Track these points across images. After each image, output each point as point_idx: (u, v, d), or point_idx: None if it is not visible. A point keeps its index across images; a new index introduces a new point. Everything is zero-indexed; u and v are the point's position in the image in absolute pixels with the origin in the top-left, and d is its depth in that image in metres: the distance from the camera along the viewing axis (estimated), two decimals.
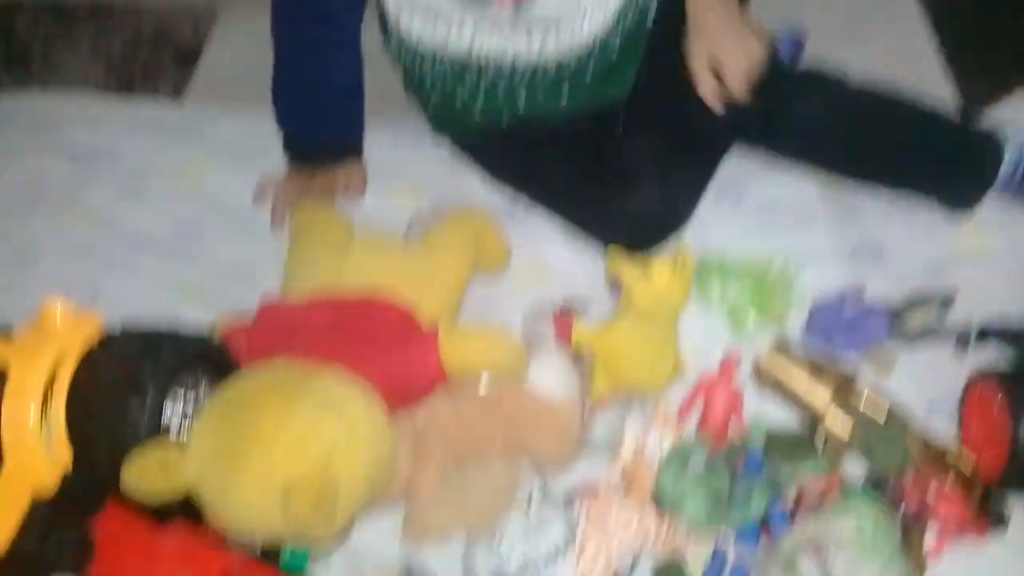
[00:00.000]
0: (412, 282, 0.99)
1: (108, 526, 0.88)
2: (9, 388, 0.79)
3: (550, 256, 1.21)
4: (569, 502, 0.95)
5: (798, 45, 1.44)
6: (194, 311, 1.12)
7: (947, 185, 1.23)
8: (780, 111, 1.19)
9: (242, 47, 1.52)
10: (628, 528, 0.91)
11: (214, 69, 1.49)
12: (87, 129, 1.37)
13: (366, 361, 0.89)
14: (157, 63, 1.50)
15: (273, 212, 1.24)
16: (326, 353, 0.90)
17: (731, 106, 1.16)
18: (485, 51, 1.14)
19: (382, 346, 0.91)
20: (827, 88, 1.22)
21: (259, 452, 0.80)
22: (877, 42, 1.45)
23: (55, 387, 0.81)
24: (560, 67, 1.16)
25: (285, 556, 0.89)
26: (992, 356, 1.03)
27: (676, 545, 0.92)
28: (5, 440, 0.79)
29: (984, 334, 1.02)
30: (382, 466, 0.86)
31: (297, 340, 0.93)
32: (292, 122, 1.20)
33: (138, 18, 1.56)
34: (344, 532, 0.88)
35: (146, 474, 0.79)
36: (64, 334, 0.84)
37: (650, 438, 0.98)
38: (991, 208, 1.22)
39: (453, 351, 0.91)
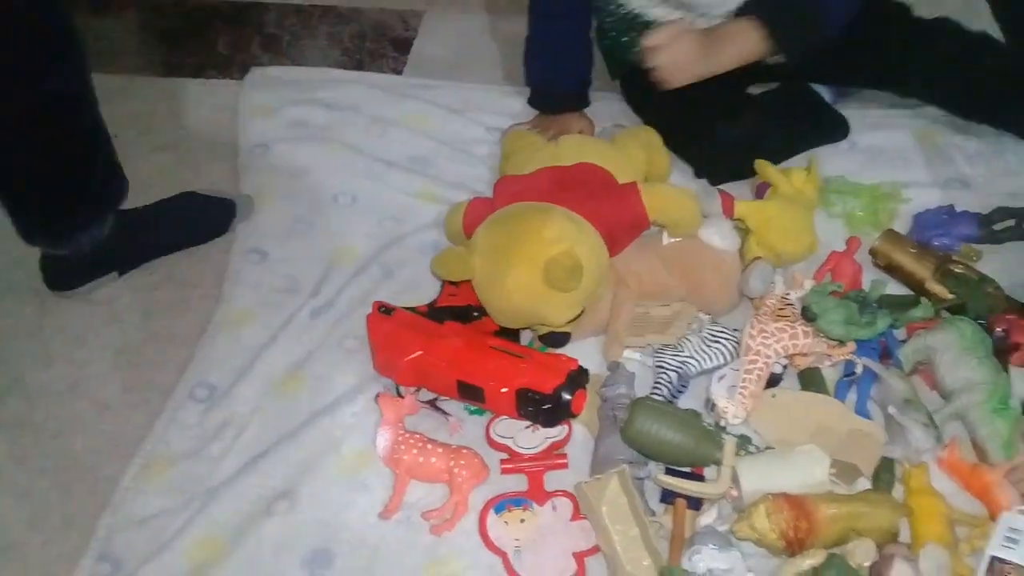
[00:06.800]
0: (608, 162, 1.33)
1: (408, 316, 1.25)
2: None
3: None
4: (736, 329, 1.27)
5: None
6: (428, 209, 1.51)
7: None
8: (913, 57, 1.50)
9: (444, 37, 1.95)
10: (782, 337, 1.21)
11: (423, 54, 1.90)
12: (333, 89, 1.78)
13: (585, 205, 1.24)
14: (379, 50, 1.92)
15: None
16: (553, 202, 1.24)
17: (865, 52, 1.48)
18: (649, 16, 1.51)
19: (596, 194, 1.25)
20: (946, 35, 1.51)
21: (527, 241, 1.15)
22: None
23: None
24: None
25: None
26: None
27: (819, 352, 1.22)
28: None
29: None
30: (603, 267, 1.21)
31: (529, 196, 1.27)
32: (539, 77, 1.58)
33: (360, 15, 2.00)
34: (580, 314, 1.21)
35: (448, 262, 1.16)
36: None
37: (792, 290, 1.30)
38: None
39: (650, 198, 1.26)
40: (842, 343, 1.23)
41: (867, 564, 1.02)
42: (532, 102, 1.62)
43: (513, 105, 1.69)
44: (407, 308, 1.28)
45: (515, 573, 1.06)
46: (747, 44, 1.37)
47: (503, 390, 1.14)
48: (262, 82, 1.81)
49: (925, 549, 0.99)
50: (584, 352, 1.29)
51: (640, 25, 1.53)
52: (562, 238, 1.15)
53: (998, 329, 1.22)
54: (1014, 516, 1.02)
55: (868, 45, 1.50)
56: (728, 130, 1.48)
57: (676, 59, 1.33)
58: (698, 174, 1.52)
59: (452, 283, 1.33)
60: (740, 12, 1.40)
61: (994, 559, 0.98)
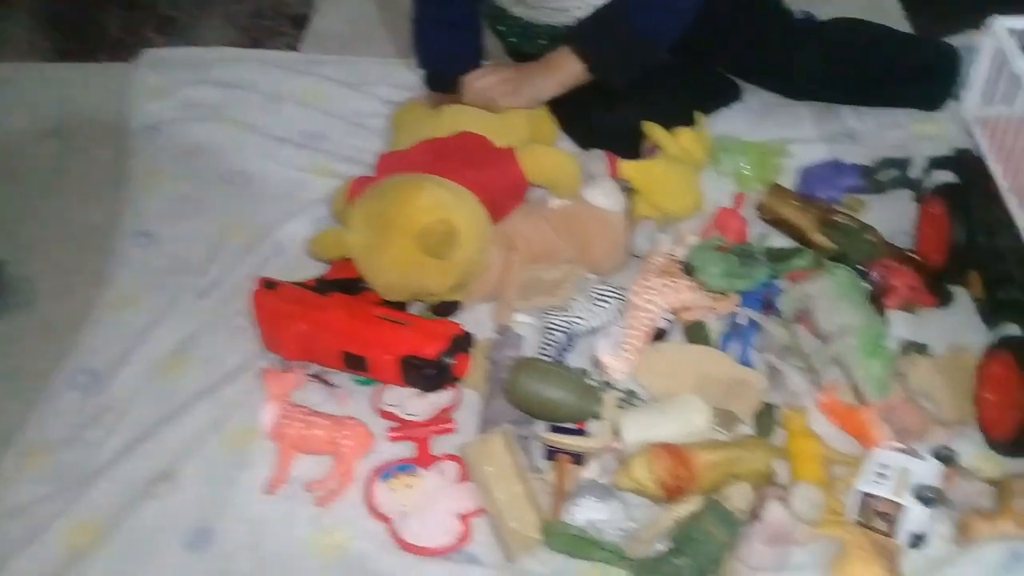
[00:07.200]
0: (486, 130, 1.33)
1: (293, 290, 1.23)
2: None
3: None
4: (622, 288, 1.27)
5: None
6: (322, 183, 1.49)
7: (921, 94, 1.57)
8: (785, 62, 1.53)
9: (341, 12, 1.93)
10: (666, 292, 1.22)
11: (319, 30, 1.88)
12: (227, 68, 1.75)
13: (463, 173, 1.23)
14: (276, 27, 1.90)
15: None
16: (432, 172, 1.23)
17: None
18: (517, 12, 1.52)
19: (474, 162, 1.25)
20: (822, 37, 1.55)
21: (402, 213, 1.14)
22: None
23: None
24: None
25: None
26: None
27: (703, 305, 1.23)
28: None
29: (932, 164, 1.34)
30: (483, 233, 1.20)
31: (408, 169, 1.26)
32: (430, 59, 1.55)
33: None
34: (463, 286, 1.21)
35: (323, 242, 1.15)
36: None
37: (678, 247, 1.31)
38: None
39: (527, 160, 1.26)
40: (725, 295, 1.24)
41: (745, 508, 1.03)
42: (429, 83, 1.58)
43: (410, 78, 1.67)
44: (295, 283, 1.27)
45: (400, 539, 1.06)
46: (567, 72, 1.40)
47: (387, 358, 1.13)
48: (155, 64, 1.77)
49: (796, 488, 1.01)
50: (475, 318, 1.29)
51: (509, 19, 1.53)
52: (436, 206, 1.15)
53: (874, 274, 1.25)
54: (884, 452, 1.04)
55: (747, 49, 1.54)
56: (604, 116, 1.47)
57: (494, 92, 1.38)
58: None
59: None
60: (564, 40, 1.42)
61: (865, 495, 1.00)
